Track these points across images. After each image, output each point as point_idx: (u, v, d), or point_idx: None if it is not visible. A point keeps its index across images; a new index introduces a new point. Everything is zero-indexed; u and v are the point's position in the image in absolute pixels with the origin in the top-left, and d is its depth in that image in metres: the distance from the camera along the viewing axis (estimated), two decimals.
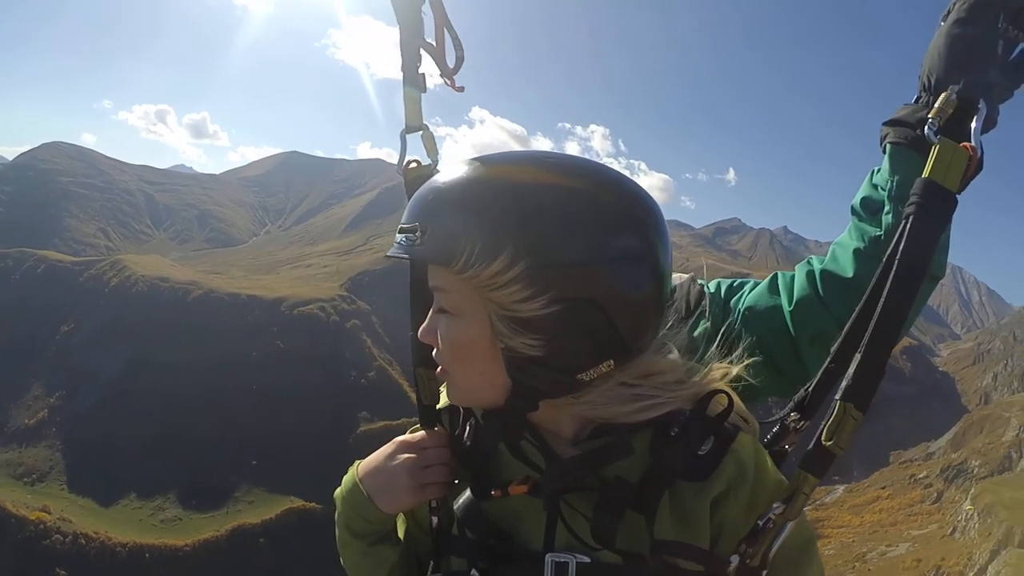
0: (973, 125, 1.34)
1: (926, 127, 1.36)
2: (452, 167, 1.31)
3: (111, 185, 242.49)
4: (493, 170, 1.27)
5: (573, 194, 1.23)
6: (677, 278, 1.79)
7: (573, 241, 1.21)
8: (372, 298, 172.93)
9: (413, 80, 1.65)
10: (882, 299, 1.27)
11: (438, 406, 1.64)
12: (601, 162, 1.34)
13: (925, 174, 1.30)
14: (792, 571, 1.37)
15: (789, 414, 1.44)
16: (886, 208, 1.60)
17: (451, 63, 1.70)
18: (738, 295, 1.82)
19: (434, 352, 1.42)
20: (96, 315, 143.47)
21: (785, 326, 1.73)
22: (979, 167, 1.38)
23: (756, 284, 1.85)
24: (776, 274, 1.80)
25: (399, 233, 1.32)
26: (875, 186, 1.66)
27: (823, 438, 1.26)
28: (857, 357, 1.27)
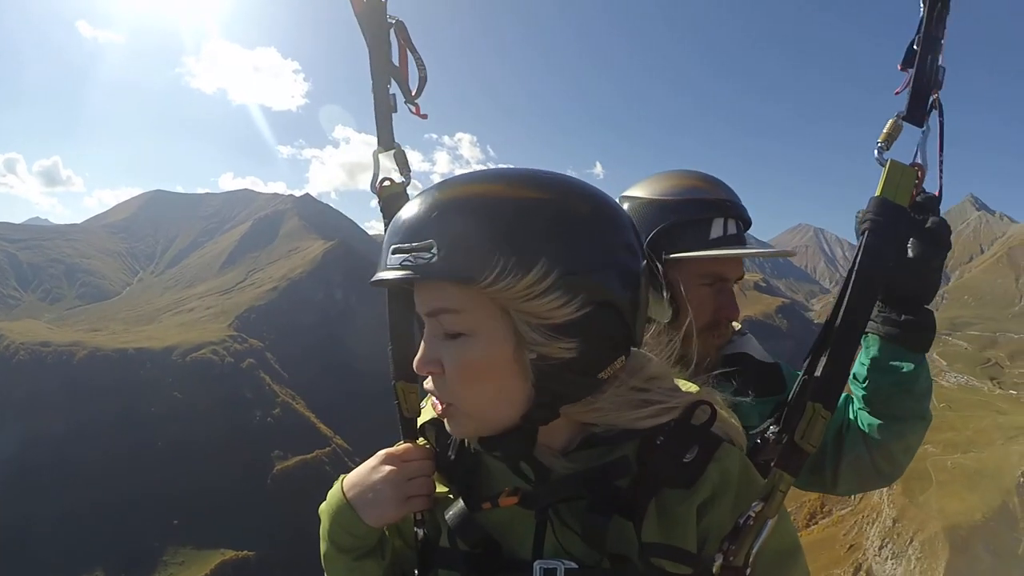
0: (919, 145, 1.46)
1: (875, 150, 1.45)
2: (443, 186, 1.29)
3: None
4: (496, 186, 1.27)
5: (579, 203, 1.29)
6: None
7: (591, 246, 1.27)
8: (263, 334, 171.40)
9: (384, 101, 1.69)
10: (843, 308, 1.37)
11: (419, 420, 1.65)
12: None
13: (877, 193, 1.43)
14: (776, 574, 1.40)
15: (768, 427, 1.51)
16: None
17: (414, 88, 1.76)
18: None
19: (430, 383, 1.35)
20: None
21: (839, 434, 2.10)
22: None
23: None
24: (849, 396, 2.12)
25: (396, 253, 1.25)
26: (862, 364, 1.97)
27: (795, 437, 1.36)
28: (822, 361, 1.38)
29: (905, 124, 1.47)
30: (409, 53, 1.72)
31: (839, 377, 1.36)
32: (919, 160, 1.47)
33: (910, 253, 1.67)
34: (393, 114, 1.74)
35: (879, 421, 2.00)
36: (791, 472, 1.35)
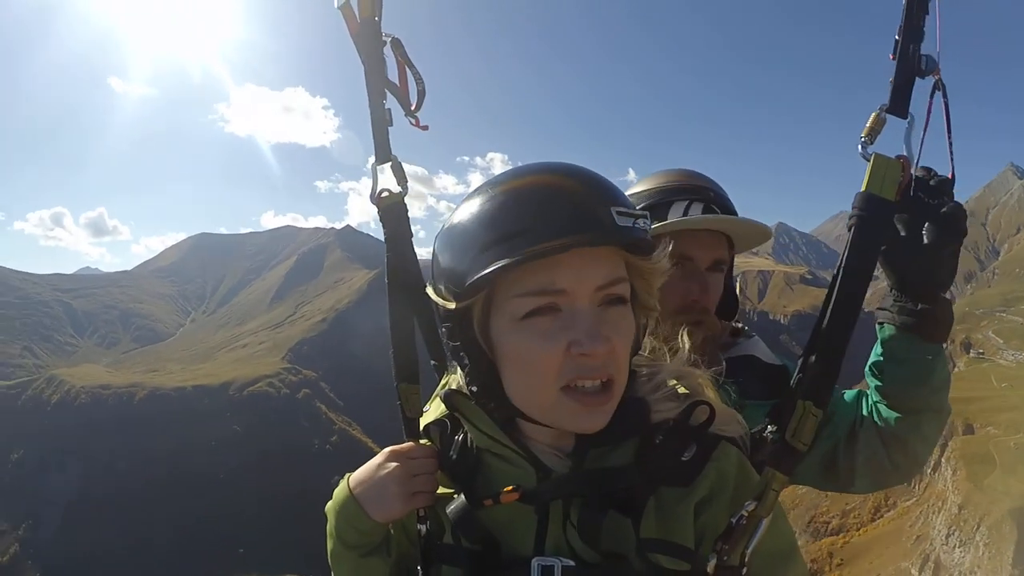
0: (904, 137, 1.44)
1: (859, 146, 1.44)
2: (562, 169, 1.31)
3: (26, 300, 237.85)
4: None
5: None
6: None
7: None
8: (316, 364, 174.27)
9: (380, 116, 1.73)
10: (831, 303, 1.39)
11: (422, 420, 1.66)
12: None
13: (863, 188, 1.41)
14: (773, 573, 1.41)
15: (765, 427, 1.50)
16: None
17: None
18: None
19: (595, 364, 1.28)
20: (43, 436, 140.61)
21: (853, 430, 2.08)
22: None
23: (847, 392, 2.17)
24: (862, 392, 2.12)
25: (624, 216, 1.26)
26: (878, 355, 1.92)
27: (787, 435, 1.37)
28: (812, 358, 1.39)
29: (895, 117, 1.45)
30: (408, 69, 1.76)
31: (829, 374, 1.37)
32: (905, 152, 1.44)
33: (925, 239, 1.62)
34: (389, 127, 1.78)
35: (896, 414, 1.97)
36: (783, 471, 1.36)
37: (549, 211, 1.24)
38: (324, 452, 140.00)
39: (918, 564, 60.11)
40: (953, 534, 58.15)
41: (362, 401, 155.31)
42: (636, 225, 1.27)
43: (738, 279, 2.46)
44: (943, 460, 67.75)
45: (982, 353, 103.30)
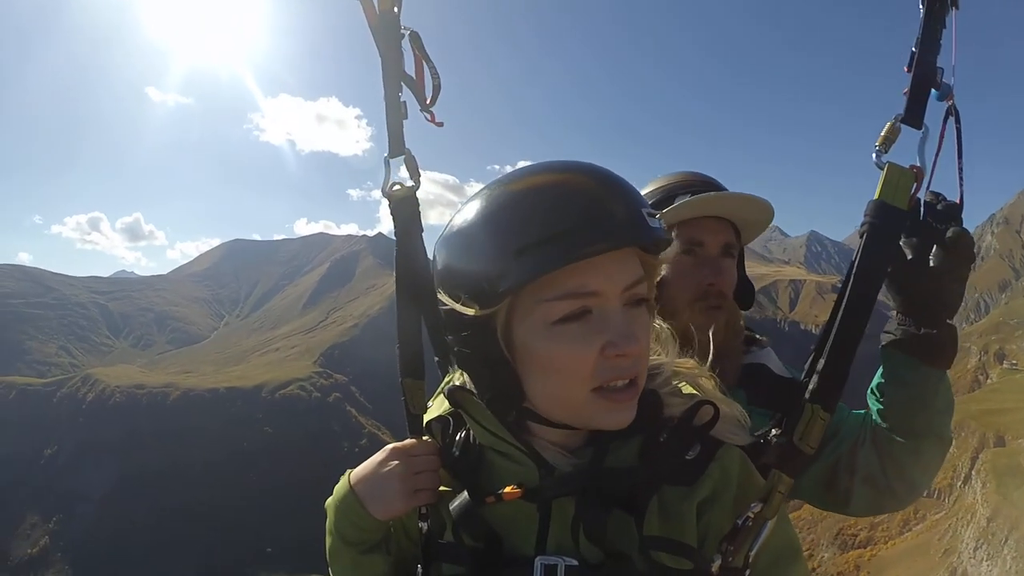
0: (918, 147, 1.42)
1: (873, 154, 1.43)
2: (578, 168, 1.30)
3: (63, 301, 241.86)
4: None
5: None
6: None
7: None
8: (347, 369, 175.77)
9: (395, 109, 1.70)
10: (841, 308, 1.38)
11: (425, 417, 1.63)
12: None
13: (876, 196, 1.41)
14: (776, 574, 1.40)
15: (770, 431, 1.48)
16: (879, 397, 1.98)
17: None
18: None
19: (628, 364, 1.29)
20: (77, 433, 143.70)
21: (854, 449, 2.08)
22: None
23: (854, 412, 2.16)
24: (868, 413, 2.08)
25: (651, 217, 1.27)
26: (880, 377, 1.94)
27: (794, 438, 1.35)
28: (821, 362, 1.37)
29: (910, 127, 1.44)
30: (425, 63, 1.73)
31: (838, 379, 1.36)
32: (918, 162, 1.44)
33: (931, 263, 1.61)
34: (404, 120, 1.74)
35: (895, 437, 1.97)
36: (789, 473, 1.35)
37: (586, 212, 1.22)
38: (354, 455, 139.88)
39: None
40: (981, 547, 57.66)
41: (391, 405, 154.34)
42: (660, 225, 1.27)
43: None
44: (973, 472, 67.31)
45: (1015, 364, 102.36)
